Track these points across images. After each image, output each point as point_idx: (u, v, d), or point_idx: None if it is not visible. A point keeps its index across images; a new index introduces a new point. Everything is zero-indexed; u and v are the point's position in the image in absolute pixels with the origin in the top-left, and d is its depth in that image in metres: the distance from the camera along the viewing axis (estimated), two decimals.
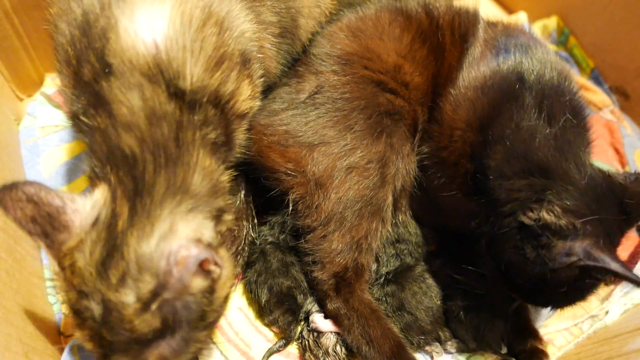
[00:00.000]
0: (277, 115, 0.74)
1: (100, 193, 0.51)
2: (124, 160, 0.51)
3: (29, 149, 0.89)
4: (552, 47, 1.29)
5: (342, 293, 0.70)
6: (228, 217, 0.58)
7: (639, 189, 0.64)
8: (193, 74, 0.54)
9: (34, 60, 0.96)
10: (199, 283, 0.49)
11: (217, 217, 0.55)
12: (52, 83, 0.98)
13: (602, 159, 1.08)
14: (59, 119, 0.93)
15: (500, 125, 0.67)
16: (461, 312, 0.74)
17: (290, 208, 0.72)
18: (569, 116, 0.67)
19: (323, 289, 0.71)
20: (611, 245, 0.62)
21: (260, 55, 0.68)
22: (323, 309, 0.73)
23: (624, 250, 0.95)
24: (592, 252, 0.56)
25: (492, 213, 0.66)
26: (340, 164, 0.70)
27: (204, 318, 0.51)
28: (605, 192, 0.63)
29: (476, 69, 0.74)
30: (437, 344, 0.74)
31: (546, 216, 0.60)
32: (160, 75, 0.52)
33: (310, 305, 0.74)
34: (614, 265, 0.55)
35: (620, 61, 1.18)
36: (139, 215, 0.49)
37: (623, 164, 1.10)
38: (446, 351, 0.76)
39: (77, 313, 0.49)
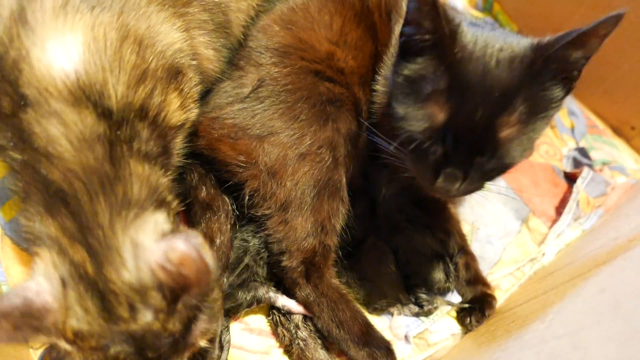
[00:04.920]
0: (223, 109, 0.75)
1: (42, 260, 0.50)
2: (57, 198, 0.50)
3: None
4: (478, 14, 1.36)
5: (312, 279, 0.72)
6: (174, 204, 0.59)
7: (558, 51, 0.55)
8: (117, 92, 0.54)
9: None
10: (212, 265, 0.49)
11: (161, 203, 0.55)
12: None
13: None
14: None
15: None
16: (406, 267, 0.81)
17: (247, 200, 0.73)
18: None
19: (292, 277, 0.72)
20: None
21: (194, 62, 0.68)
22: (292, 297, 0.74)
23: (554, 197, 1.06)
24: None
25: None
26: (291, 153, 0.71)
27: (212, 288, 0.53)
28: None
29: None
30: (399, 304, 0.80)
31: None
32: (85, 98, 0.52)
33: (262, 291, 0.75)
34: None
35: (540, 24, 1.27)
36: (98, 252, 0.49)
37: (551, 126, 1.21)
38: (408, 313, 0.82)
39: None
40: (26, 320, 0.46)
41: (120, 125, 0.53)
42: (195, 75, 0.69)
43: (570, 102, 1.25)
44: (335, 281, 0.74)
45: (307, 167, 0.72)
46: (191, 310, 0.51)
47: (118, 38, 0.55)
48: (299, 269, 0.72)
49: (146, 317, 0.48)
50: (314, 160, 0.72)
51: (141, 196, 0.53)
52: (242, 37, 0.82)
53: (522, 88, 0.54)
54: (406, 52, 0.61)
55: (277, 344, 0.76)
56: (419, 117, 0.57)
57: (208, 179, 0.77)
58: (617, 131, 1.23)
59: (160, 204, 0.55)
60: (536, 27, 1.29)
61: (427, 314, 0.80)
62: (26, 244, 0.55)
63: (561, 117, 1.22)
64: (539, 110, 0.56)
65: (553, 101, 0.58)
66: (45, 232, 0.51)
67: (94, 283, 0.48)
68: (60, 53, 0.51)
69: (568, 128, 1.20)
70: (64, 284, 0.48)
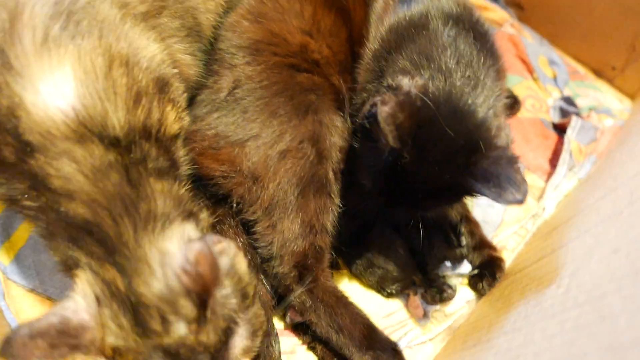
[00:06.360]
0: (203, 120, 0.73)
1: (80, 280, 0.51)
2: (82, 231, 0.51)
3: None
4: None
5: (306, 284, 0.69)
6: (202, 215, 0.59)
7: (488, 167, 0.59)
8: (119, 119, 0.53)
9: None
10: (224, 262, 0.51)
11: (191, 215, 0.56)
12: None
13: (511, 71, 1.17)
14: None
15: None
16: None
17: (235, 207, 0.71)
18: (473, 40, 0.71)
19: (286, 283, 0.70)
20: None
21: (176, 70, 0.67)
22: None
23: (546, 149, 1.07)
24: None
25: None
26: (272, 152, 0.69)
27: (246, 295, 0.53)
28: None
29: (385, 21, 0.76)
30: (413, 286, 0.80)
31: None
32: (89, 132, 0.51)
33: None
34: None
35: None
36: (127, 267, 0.49)
37: (530, 71, 1.20)
38: (431, 301, 0.82)
39: None
40: (63, 339, 0.47)
41: (129, 149, 0.53)
42: (180, 84, 0.68)
43: (550, 51, 1.25)
44: (331, 284, 0.72)
45: (289, 164, 0.69)
46: (224, 320, 0.50)
47: (105, 64, 0.54)
48: (292, 274, 0.69)
49: (178, 328, 0.47)
50: (296, 156, 0.70)
51: (167, 209, 0.53)
52: (213, 37, 0.81)
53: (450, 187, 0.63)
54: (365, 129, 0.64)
55: (300, 342, 0.76)
56: (364, 177, 0.67)
57: (201, 193, 0.74)
58: (599, 74, 1.24)
59: (188, 215, 0.55)
60: None
61: (449, 298, 0.81)
62: (62, 270, 0.55)
63: (542, 67, 1.21)
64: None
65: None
66: (76, 259, 0.52)
67: (126, 298, 0.48)
68: (54, 93, 0.50)
69: (550, 78, 1.20)
70: (98, 302, 0.49)
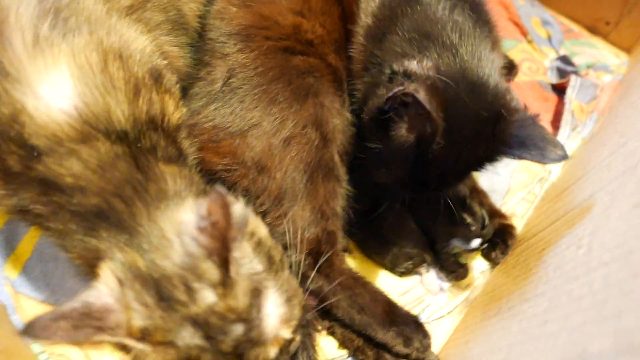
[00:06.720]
0: (199, 113, 0.71)
1: (102, 271, 0.50)
2: (97, 218, 0.51)
3: None
4: None
5: (322, 269, 0.68)
6: (208, 188, 0.58)
7: (517, 132, 0.59)
8: (123, 111, 0.53)
9: None
10: (237, 208, 0.50)
11: (203, 192, 0.56)
12: None
13: (505, 35, 1.15)
14: None
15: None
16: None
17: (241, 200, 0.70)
18: (469, 11, 0.70)
19: (302, 271, 0.67)
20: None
21: (166, 61, 0.66)
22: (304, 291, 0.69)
23: (547, 112, 1.05)
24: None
25: None
26: (275, 141, 0.67)
27: (272, 259, 0.52)
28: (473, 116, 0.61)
29: None
30: (425, 264, 0.80)
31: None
32: (94, 130, 0.51)
33: None
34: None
35: None
36: (145, 246, 0.49)
37: (524, 34, 1.18)
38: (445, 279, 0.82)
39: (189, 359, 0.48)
40: (86, 321, 0.46)
41: (138, 140, 0.53)
42: (172, 75, 0.67)
43: (542, 11, 1.23)
44: (346, 266, 0.71)
45: (294, 151, 0.67)
46: (250, 282, 0.48)
47: (100, 59, 0.53)
48: (307, 262, 0.68)
49: (205, 296, 0.46)
50: (300, 142, 0.68)
51: (178, 187, 0.53)
52: (199, 27, 0.78)
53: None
54: (381, 123, 0.63)
55: (319, 327, 0.76)
56: (385, 176, 0.67)
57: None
58: (593, 30, 1.22)
59: (202, 192, 0.55)
60: None
61: (462, 277, 0.80)
62: (85, 272, 0.54)
63: (535, 28, 1.19)
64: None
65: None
66: (95, 251, 0.51)
67: (148, 276, 0.47)
68: (53, 94, 0.50)
69: (545, 39, 1.18)
70: (121, 284, 0.48)
